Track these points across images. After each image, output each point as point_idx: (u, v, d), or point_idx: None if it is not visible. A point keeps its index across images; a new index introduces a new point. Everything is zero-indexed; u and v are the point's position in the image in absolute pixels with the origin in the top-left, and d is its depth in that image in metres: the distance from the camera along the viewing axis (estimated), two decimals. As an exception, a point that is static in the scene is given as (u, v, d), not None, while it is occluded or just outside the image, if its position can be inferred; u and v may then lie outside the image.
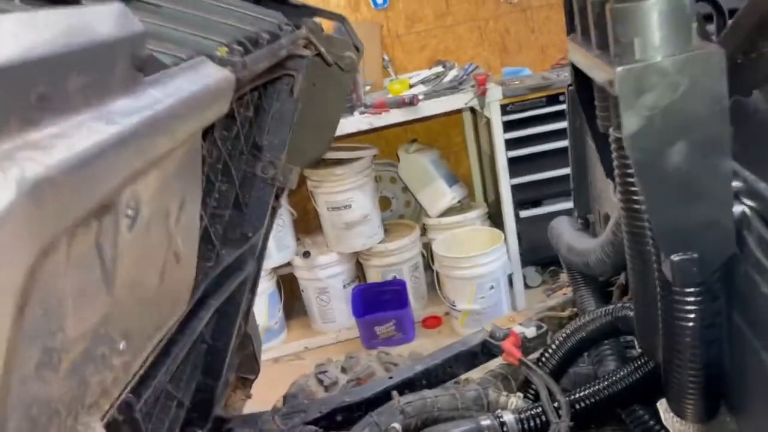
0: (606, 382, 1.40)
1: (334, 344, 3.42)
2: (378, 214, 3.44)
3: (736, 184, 0.83)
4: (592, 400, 1.39)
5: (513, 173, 3.27)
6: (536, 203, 3.42)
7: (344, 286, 3.46)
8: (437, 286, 3.45)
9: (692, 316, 0.91)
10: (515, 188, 3.30)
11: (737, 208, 0.84)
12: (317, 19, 1.55)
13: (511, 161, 3.26)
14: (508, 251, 3.32)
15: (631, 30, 0.80)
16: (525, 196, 3.38)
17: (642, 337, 1.19)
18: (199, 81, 0.80)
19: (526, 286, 3.45)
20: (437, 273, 3.42)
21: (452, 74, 3.26)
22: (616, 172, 0.98)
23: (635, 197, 0.95)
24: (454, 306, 3.35)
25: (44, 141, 0.47)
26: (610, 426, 1.56)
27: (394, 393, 1.52)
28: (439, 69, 3.37)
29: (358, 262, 3.57)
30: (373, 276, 3.55)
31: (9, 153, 0.43)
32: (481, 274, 3.24)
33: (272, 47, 1.22)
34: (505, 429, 1.34)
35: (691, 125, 0.80)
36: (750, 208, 0.82)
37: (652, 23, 0.79)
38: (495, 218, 3.58)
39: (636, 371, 1.38)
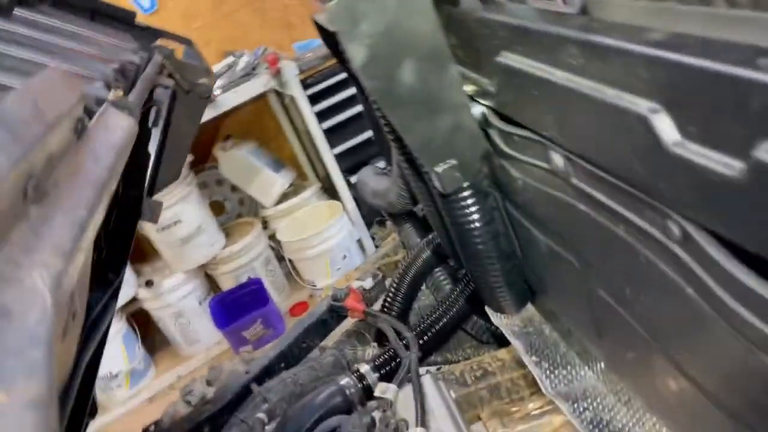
0: (443, 307, 1.47)
1: (206, 363, 3.28)
2: (213, 221, 3.33)
3: (468, 87, 0.89)
4: (435, 326, 1.46)
5: (332, 143, 3.30)
6: (363, 165, 3.48)
7: (200, 303, 3.32)
8: (293, 273, 3.43)
9: (472, 217, 0.98)
10: (339, 157, 3.34)
11: (476, 110, 0.90)
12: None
13: (328, 132, 3.28)
14: (350, 218, 3.37)
15: (334, -34, 0.82)
16: (351, 162, 3.42)
17: (450, 252, 1.26)
18: (114, 135, 0.77)
19: (377, 246, 3.53)
20: (289, 260, 3.40)
21: (243, 62, 3.19)
22: (373, 105, 1.02)
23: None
24: (315, 286, 3.35)
25: (45, 233, 0.45)
26: (467, 343, 1.66)
27: (253, 385, 1.49)
28: (230, 60, 3.29)
29: (207, 275, 3.45)
30: (228, 283, 3.44)
31: (23, 255, 0.41)
32: (330, 248, 3.26)
33: (144, 80, 1.13)
34: (364, 381, 1.37)
35: (410, 43, 0.84)
36: (485, 106, 0.89)
37: (348, -45, 0.82)
38: (330, 191, 3.61)
39: (465, 288, 1.46)
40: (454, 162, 0.91)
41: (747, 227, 0.43)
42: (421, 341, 1.43)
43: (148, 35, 1.56)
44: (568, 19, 0.62)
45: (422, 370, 1.36)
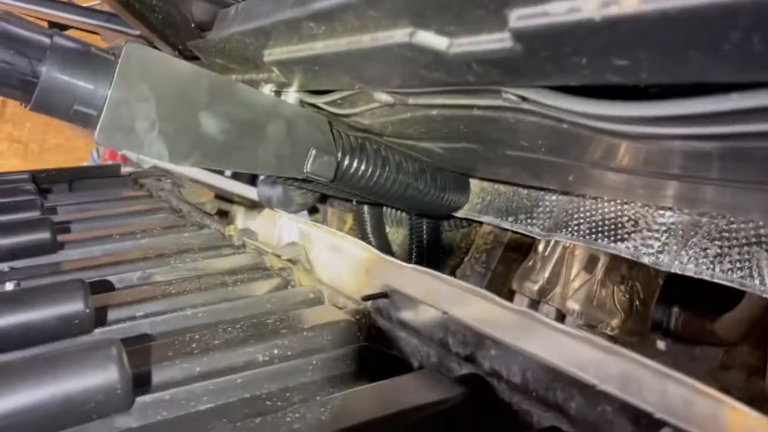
0: (415, 235, 1.48)
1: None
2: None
3: (266, 88, 0.85)
4: (422, 251, 1.47)
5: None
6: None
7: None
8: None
9: (369, 173, 0.96)
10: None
11: (290, 98, 0.86)
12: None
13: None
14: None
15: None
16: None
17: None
18: None
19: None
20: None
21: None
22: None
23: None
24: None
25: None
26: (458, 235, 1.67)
27: None
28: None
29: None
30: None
31: None
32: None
33: None
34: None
35: (189, 100, 0.79)
36: (294, 91, 0.85)
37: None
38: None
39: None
40: (314, 151, 0.88)
41: (536, 76, 0.43)
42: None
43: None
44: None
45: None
